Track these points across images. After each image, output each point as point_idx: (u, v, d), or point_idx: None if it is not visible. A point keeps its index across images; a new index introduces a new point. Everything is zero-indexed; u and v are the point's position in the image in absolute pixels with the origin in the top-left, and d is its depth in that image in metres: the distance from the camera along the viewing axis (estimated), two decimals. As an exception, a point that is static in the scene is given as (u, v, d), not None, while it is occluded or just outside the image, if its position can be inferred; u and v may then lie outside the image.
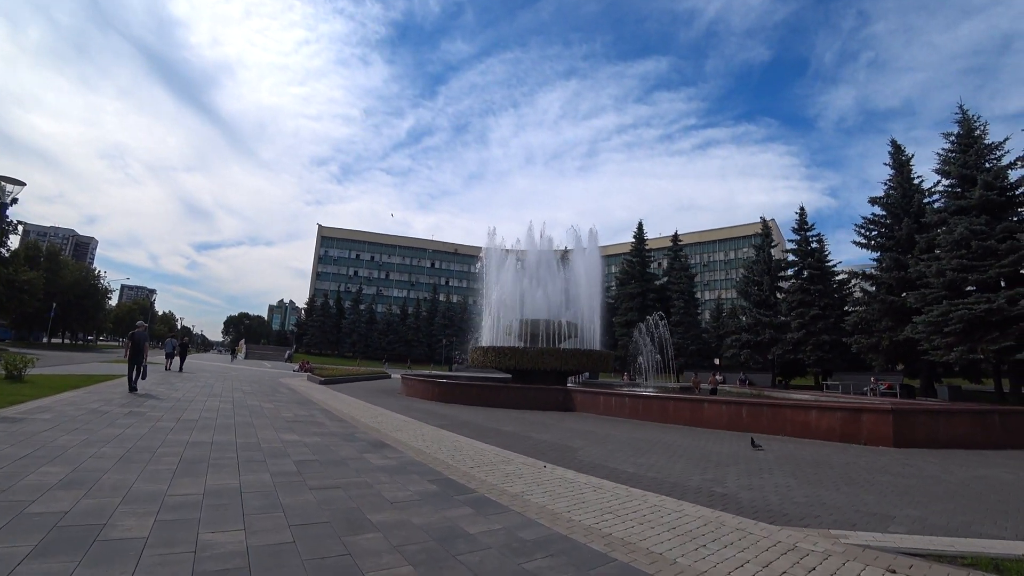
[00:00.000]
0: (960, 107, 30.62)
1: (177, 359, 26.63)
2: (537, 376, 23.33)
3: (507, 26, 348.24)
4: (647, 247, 60.09)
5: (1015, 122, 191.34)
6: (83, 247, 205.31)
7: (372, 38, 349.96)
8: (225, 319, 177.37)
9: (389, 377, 36.62)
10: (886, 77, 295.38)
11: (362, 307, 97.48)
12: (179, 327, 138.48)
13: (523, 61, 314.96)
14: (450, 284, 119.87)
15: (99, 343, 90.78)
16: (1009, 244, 25.32)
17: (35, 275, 50.99)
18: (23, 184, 12.94)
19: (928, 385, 32.76)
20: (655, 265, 63.20)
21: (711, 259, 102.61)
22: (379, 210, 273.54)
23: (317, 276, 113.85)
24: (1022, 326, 24.25)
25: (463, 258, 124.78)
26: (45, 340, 67.31)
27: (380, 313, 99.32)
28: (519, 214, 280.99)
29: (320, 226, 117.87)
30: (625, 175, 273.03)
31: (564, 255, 31.69)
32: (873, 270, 36.06)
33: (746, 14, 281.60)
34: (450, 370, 68.31)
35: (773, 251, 48.35)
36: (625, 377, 40.39)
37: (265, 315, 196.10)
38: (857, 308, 35.82)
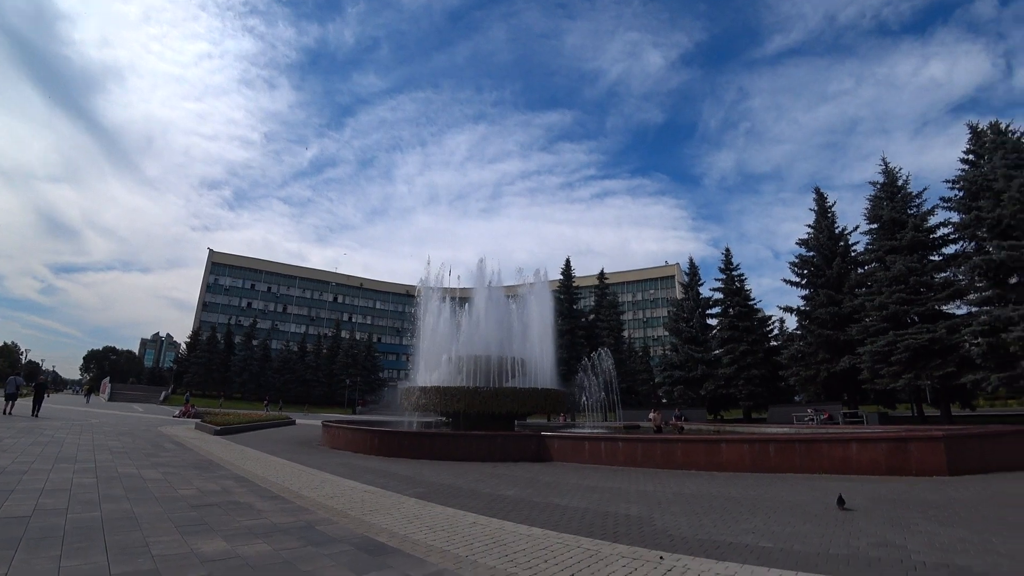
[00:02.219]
0: (883, 160, 33.16)
1: (26, 401, 20.89)
2: (486, 420, 20.10)
3: (421, 65, 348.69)
4: (575, 284, 59.12)
5: (859, 190, 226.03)
6: None
7: (281, 61, 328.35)
8: (85, 354, 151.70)
9: (294, 423, 30.80)
10: (760, 146, 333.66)
11: (255, 342, 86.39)
12: (24, 361, 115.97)
13: (434, 101, 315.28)
14: (354, 320, 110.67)
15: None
16: (944, 279, 27.81)
17: None
18: None
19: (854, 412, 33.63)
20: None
21: (620, 300, 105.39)
22: (273, 240, 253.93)
23: (204, 307, 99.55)
24: (961, 353, 26.03)
25: (368, 293, 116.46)
26: None
27: (275, 350, 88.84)
28: (420, 251, 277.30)
29: (211, 251, 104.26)
30: (527, 219, 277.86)
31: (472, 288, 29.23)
32: (801, 307, 37.15)
33: (644, 80, 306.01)
34: (354, 413, 61.97)
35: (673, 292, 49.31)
36: (562, 419, 37.66)
37: (136, 350, 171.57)
38: (793, 342, 36.64)
